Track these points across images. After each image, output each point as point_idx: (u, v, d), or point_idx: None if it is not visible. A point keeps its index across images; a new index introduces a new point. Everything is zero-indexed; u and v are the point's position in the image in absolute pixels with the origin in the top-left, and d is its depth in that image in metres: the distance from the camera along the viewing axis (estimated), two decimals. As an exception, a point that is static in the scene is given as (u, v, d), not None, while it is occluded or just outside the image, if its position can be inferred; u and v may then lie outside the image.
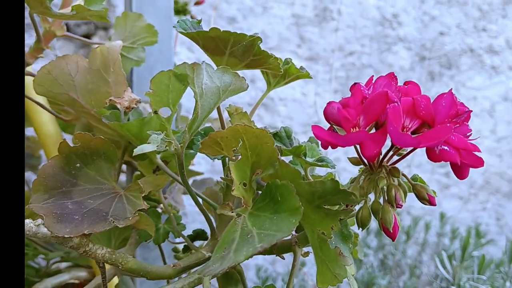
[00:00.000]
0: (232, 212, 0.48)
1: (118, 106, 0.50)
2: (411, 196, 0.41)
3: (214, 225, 0.48)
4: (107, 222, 0.40)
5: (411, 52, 2.79)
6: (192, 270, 0.45)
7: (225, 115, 0.52)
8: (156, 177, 0.48)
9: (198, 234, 0.54)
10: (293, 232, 0.46)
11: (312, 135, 0.38)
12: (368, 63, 2.63)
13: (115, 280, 0.61)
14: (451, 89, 0.37)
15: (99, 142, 0.46)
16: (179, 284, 0.41)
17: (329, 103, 0.38)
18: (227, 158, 0.47)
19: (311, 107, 2.63)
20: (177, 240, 0.60)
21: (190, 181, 0.81)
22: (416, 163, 2.02)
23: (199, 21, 0.47)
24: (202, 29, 0.46)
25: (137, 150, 0.37)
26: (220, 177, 0.46)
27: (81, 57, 0.53)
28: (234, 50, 0.46)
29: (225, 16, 2.10)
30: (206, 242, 0.50)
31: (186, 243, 0.54)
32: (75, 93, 0.53)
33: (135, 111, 0.53)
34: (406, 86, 0.38)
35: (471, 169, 0.36)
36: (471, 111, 0.37)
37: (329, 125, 0.39)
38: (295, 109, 2.63)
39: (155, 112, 0.39)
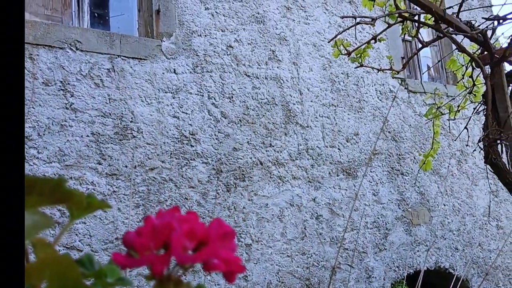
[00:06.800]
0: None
1: None
2: None
3: None
4: None
5: (208, 166, 3.05)
6: None
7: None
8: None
9: None
10: None
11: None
12: (169, 178, 2.79)
13: None
14: (219, 218, 0.49)
15: None
16: None
17: (126, 233, 0.47)
18: None
19: (112, 222, 2.64)
20: None
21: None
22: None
23: None
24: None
25: None
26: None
27: None
28: (42, 190, 0.53)
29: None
30: None
31: None
32: None
33: None
34: (187, 216, 0.50)
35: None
36: (235, 231, 0.50)
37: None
38: (95, 226, 2.61)
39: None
